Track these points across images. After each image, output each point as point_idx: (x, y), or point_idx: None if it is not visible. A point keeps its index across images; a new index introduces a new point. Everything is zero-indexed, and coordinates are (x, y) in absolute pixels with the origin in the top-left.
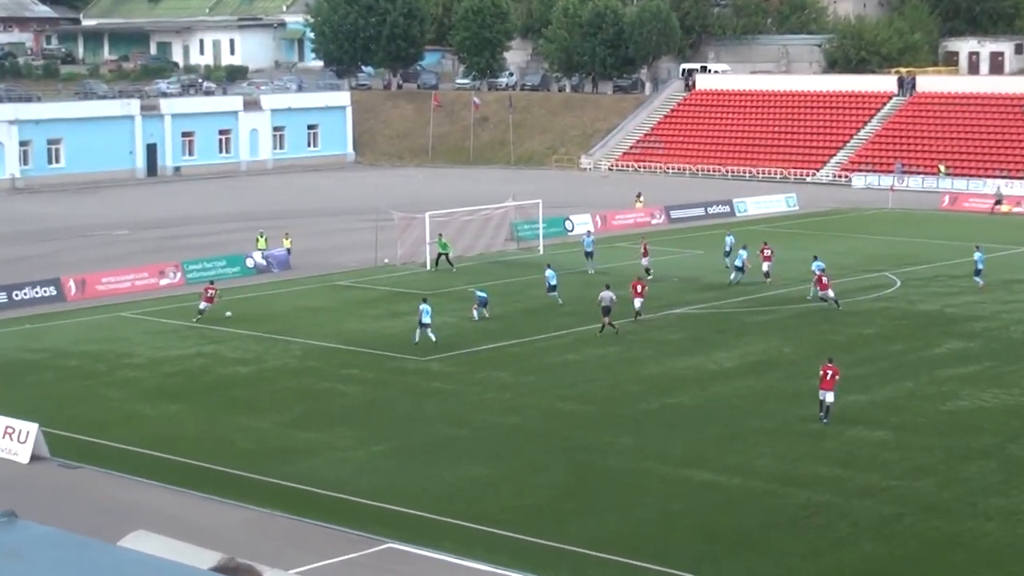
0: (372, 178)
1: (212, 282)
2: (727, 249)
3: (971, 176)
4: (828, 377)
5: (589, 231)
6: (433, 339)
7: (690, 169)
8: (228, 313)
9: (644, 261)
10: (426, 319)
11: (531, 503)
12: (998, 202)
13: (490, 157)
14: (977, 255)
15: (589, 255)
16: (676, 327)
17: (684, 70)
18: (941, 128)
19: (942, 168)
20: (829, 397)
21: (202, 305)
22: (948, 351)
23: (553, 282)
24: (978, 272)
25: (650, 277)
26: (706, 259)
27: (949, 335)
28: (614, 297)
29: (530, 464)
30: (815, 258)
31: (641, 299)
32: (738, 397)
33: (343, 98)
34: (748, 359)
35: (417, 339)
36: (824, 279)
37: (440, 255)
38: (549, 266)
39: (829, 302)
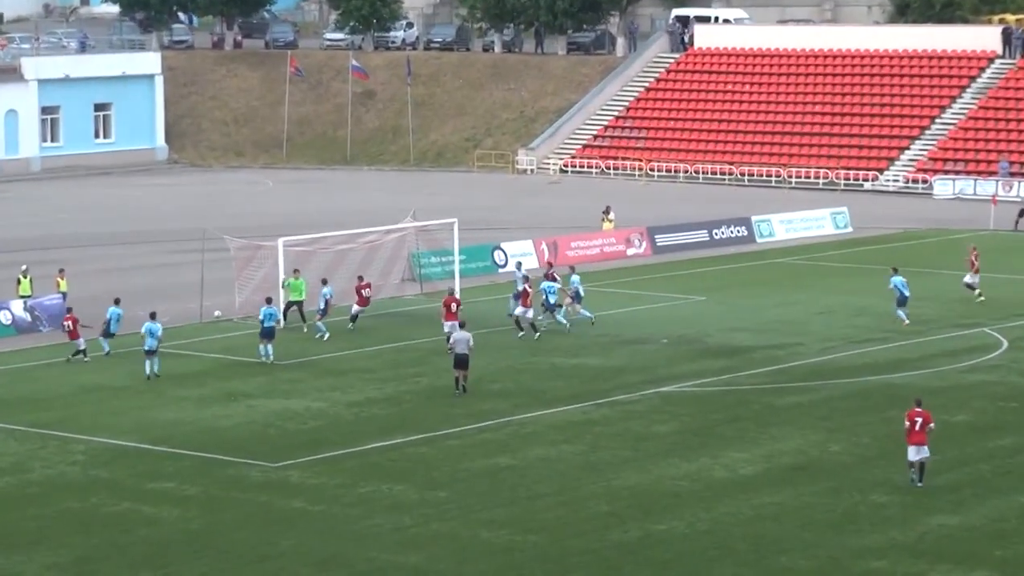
0: (195, 186)
1: None
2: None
3: None
4: (918, 427)
5: (572, 268)
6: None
7: (686, 171)
8: None
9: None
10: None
11: None
12: None
13: (378, 153)
14: (896, 280)
15: (550, 309)
16: (666, 414)
17: (673, 20)
18: None
19: None
20: (923, 453)
21: None
22: None
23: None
24: (903, 301)
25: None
26: (712, 308)
27: None
28: (471, 341)
29: None
30: (894, 271)
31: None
32: (761, 522)
33: (150, 62)
34: (776, 462)
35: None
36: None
37: (291, 304)
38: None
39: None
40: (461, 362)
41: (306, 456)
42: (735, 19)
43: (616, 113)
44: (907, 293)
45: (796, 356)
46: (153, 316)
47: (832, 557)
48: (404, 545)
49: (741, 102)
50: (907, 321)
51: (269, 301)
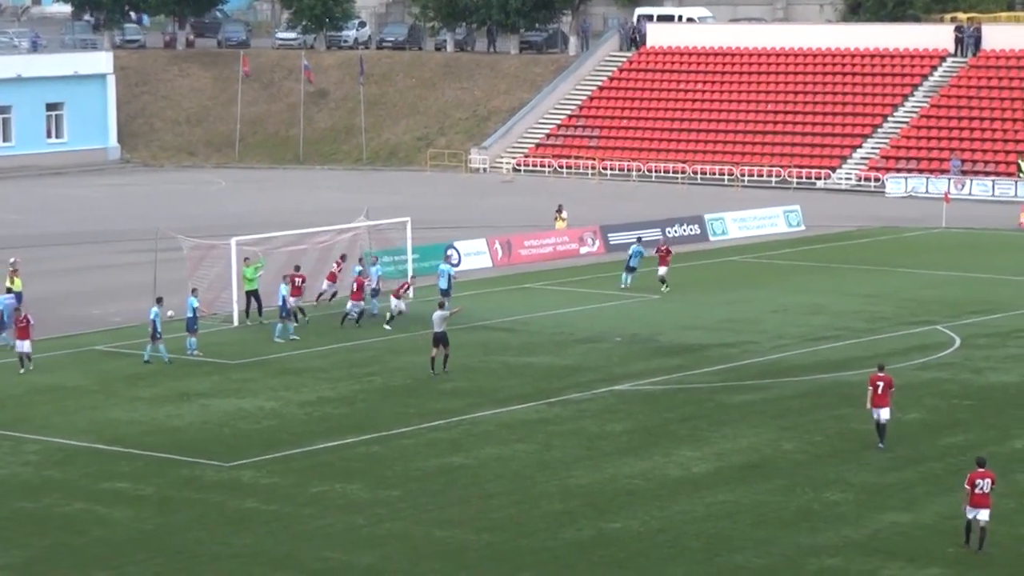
0: (148, 186)
1: None
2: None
3: None
4: (880, 390)
5: (639, 244)
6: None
7: (639, 170)
8: None
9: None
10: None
11: None
12: None
13: (330, 153)
14: (635, 249)
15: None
16: (619, 412)
17: (633, 22)
18: (1021, 104)
19: (1023, 164)
20: (884, 415)
21: None
22: None
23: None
24: (630, 269)
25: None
26: (666, 306)
27: None
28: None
29: None
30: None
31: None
32: (715, 520)
33: (102, 62)
34: (730, 460)
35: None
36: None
37: (248, 295)
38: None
39: None
40: (439, 340)
41: (259, 456)
42: (699, 17)
43: (568, 112)
44: (634, 264)
45: (749, 354)
46: (159, 301)
47: (785, 555)
48: (357, 545)
49: (693, 101)
50: (625, 284)
51: (159, 301)
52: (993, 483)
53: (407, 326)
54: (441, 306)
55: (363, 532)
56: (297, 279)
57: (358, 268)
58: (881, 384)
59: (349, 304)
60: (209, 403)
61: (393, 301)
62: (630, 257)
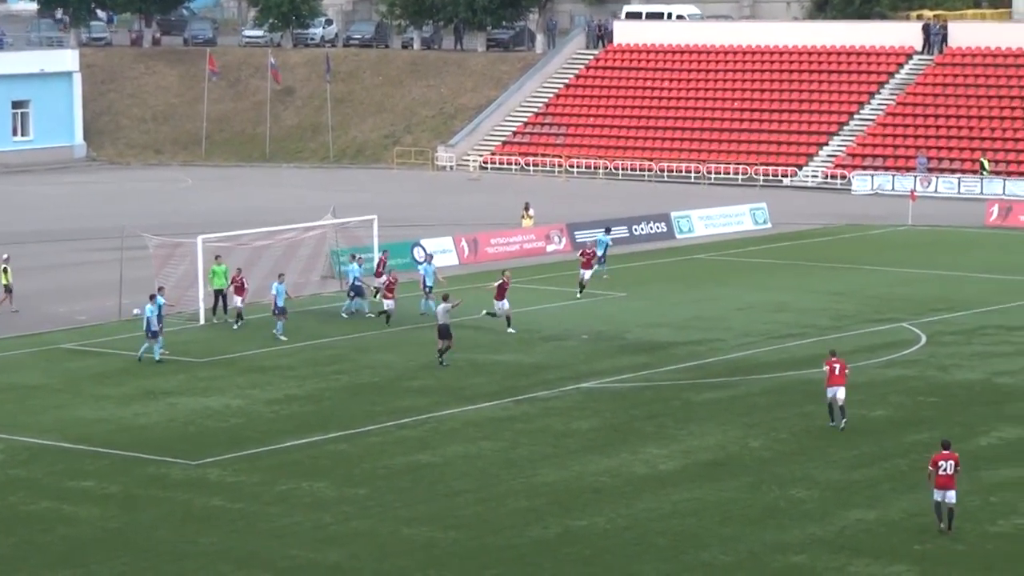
0: (114, 184)
1: None
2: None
3: None
4: (837, 372)
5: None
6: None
7: (605, 168)
8: None
9: (500, 306)
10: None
11: None
12: None
13: (297, 151)
14: (603, 238)
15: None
16: (586, 410)
17: (621, 17)
18: (987, 102)
19: (985, 163)
20: (840, 394)
21: None
22: (1000, 442)
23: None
24: (601, 260)
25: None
26: (632, 304)
27: (1001, 418)
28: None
29: None
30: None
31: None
32: (681, 517)
33: (68, 60)
34: (696, 458)
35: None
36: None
37: (217, 293)
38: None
39: None
40: (442, 332)
41: (225, 454)
42: (689, 15)
43: (535, 110)
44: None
45: (715, 352)
46: (153, 298)
47: (752, 552)
48: (324, 543)
49: (660, 98)
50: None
51: (152, 298)
52: (957, 464)
53: (375, 324)
54: (445, 298)
55: (330, 530)
56: (237, 280)
57: (357, 269)
58: (837, 366)
59: (386, 303)
60: (176, 401)
61: (385, 302)
62: (596, 247)
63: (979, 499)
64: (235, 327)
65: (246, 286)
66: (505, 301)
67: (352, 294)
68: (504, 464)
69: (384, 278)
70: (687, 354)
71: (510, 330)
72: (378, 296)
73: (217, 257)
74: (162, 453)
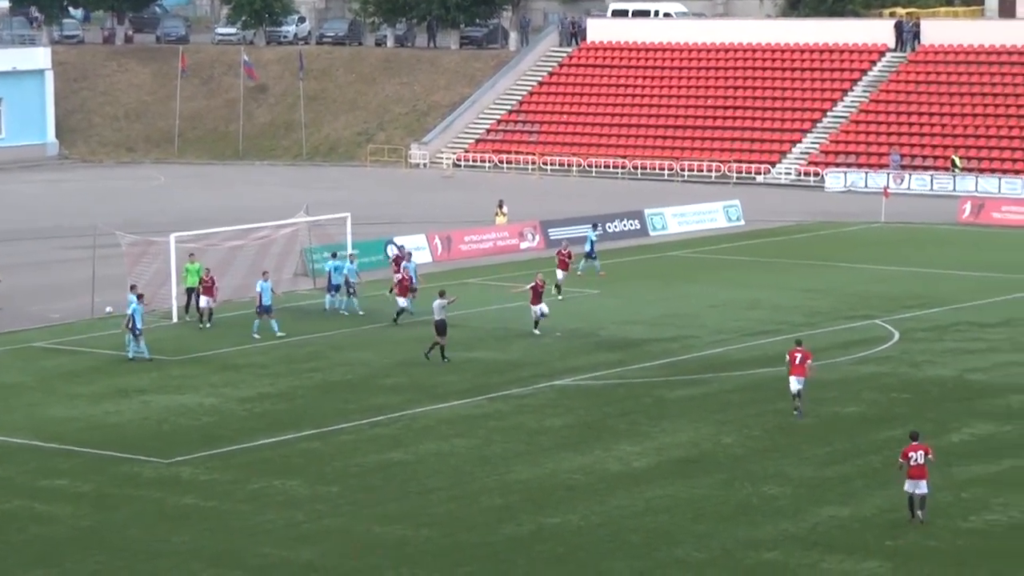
0: (86, 182)
1: None
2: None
3: (1004, 173)
4: (798, 361)
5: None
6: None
7: (579, 165)
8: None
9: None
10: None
11: None
12: None
13: (270, 148)
14: (592, 234)
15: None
16: (559, 407)
17: (611, 14)
18: (959, 100)
19: (957, 161)
20: (801, 383)
21: None
22: (972, 439)
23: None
24: (591, 256)
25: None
26: (606, 302)
27: (973, 414)
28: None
29: None
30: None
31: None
32: (654, 514)
33: (40, 57)
34: (669, 455)
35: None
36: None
37: (190, 292)
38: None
39: None
40: (438, 328)
41: (198, 452)
42: (676, 13)
43: (509, 107)
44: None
45: (689, 349)
46: (140, 297)
47: (725, 549)
48: (296, 541)
49: (634, 96)
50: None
51: (140, 298)
52: (927, 454)
53: (349, 322)
54: (442, 294)
55: (302, 528)
56: (206, 282)
57: (350, 266)
58: (799, 355)
59: (401, 301)
60: (149, 399)
61: (400, 300)
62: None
63: (951, 495)
64: (202, 327)
65: (216, 286)
66: (543, 304)
67: (351, 291)
68: (477, 462)
69: (399, 275)
70: (660, 351)
71: (536, 332)
72: (392, 292)
73: (191, 255)
74: (135, 451)
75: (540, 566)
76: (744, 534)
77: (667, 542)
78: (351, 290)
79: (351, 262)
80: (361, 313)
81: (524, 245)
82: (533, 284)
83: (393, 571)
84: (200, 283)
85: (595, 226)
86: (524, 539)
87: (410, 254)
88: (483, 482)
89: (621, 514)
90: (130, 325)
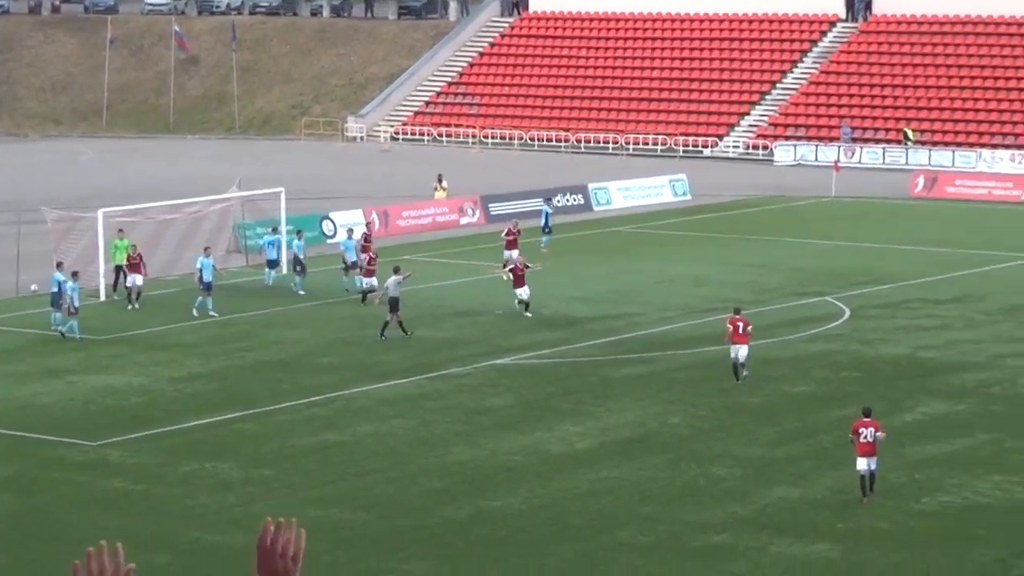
0: (11, 156)
1: None
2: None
3: (959, 146)
4: (740, 330)
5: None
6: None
7: (521, 138)
8: None
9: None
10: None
11: None
12: None
13: (202, 122)
14: (547, 207)
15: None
16: (500, 386)
17: None
18: (912, 71)
19: (909, 133)
20: (743, 353)
21: None
22: (924, 418)
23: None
24: (546, 230)
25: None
26: (548, 278)
27: (926, 392)
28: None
29: None
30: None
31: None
32: (599, 497)
33: None
34: (613, 436)
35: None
36: None
37: (118, 269)
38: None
39: None
40: (392, 305)
41: (127, 434)
42: None
43: (448, 79)
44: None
45: (634, 327)
46: (75, 275)
47: (671, 532)
48: (229, 525)
49: (577, 67)
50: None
51: (75, 275)
52: (878, 430)
53: (283, 299)
54: (396, 271)
55: (235, 512)
56: (134, 258)
57: (298, 242)
58: (740, 324)
59: (366, 281)
60: (75, 380)
61: (365, 280)
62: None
63: (904, 476)
64: (130, 307)
65: (144, 263)
66: (526, 288)
67: (298, 269)
68: (415, 443)
69: (366, 256)
70: (605, 329)
71: (527, 314)
72: (358, 273)
73: (120, 231)
74: (61, 434)
75: (480, 550)
76: (691, 516)
77: (612, 525)
78: (298, 268)
79: (299, 239)
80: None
81: (464, 221)
82: (512, 267)
83: (329, 556)
84: (128, 260)
85: (549, 199)
86: (464, 522)
87: (350, 231)
88: (421, 464)
89: (564, 496)
90: (69, 305)
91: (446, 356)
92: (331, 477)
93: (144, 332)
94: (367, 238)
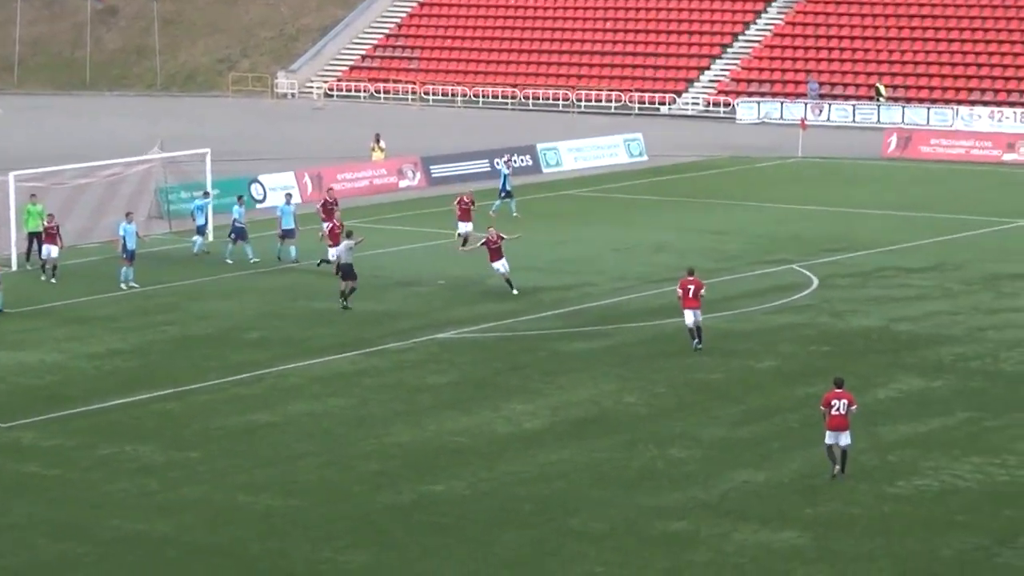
0: None
1: None
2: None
3: (934, 102)
4: (691, 294)
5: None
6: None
7: (464, 95)
8: None
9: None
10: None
11: None
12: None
13: (121, 77)
14: (504, 168)
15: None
16: (443, 363)
17: None
18: (883, 21)
19: (881, 89)
20: (692, 318)
21: None
22: (899, 395)
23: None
24: (506, 193)
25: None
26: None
27: (900, 368)
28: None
29: None
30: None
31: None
32: (549, 480)
33: None
34: (565, 415)
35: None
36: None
37: (32, 236)
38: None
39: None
40: (345, 273)
41: (41, 415)
42: None
43: (386, 31)
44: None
45: (587, 297)
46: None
47: (627, 518)
48: (151, 512)
49: (525, 18)
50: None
51: None
52: (851, 404)
53: (212, 268)
54: (349, 235)
55: (158, 498)
56: (51, 228)
57: (238, 208)
58: (692, 287)
59: (332, 251)
60: None
61: (331, 251)
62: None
63: (876, 457)
64: (48, 280)
65: (60, 233)
66: (504, 261)
67: (234, 237)
68: (352, 423)
69: (329, 224)
70: (556, 300)
71: (514, 291)
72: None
73: (32, 196)
74: None
75: (422, 538)
76: (648, 502)
77: (563, 511)
78: (234, 235)
79: (239, 204)
80: (254, 260)
81: (404, 184)
82: (484, 240)
83: (259, 544)
84: (44, 230)
85: (508, 161)
86: (404, 508)
87: (289, 195)
88: (358, 446)
89: (511, 480)
90: None
91: (385, 330)
92: (261, 461)
93: (60, 305)
94: (328, 205)
